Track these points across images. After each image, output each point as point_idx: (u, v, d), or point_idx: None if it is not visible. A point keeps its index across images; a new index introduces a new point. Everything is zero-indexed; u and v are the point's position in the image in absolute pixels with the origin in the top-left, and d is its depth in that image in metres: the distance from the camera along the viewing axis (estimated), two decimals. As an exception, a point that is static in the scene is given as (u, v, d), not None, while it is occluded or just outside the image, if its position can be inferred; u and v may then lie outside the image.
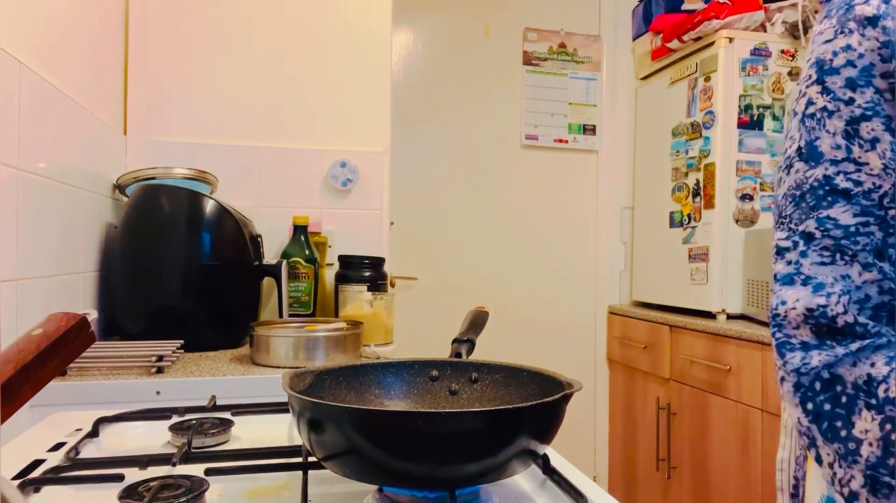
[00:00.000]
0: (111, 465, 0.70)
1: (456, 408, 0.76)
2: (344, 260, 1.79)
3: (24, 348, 0.49)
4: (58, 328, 0.50)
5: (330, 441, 0.58)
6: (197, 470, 0.67)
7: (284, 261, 1.67)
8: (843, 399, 0.49)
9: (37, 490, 0.65)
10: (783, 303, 0.53)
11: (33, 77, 1.18)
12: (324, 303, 1.85)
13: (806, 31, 2.32)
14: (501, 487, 0.68)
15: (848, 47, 0.55)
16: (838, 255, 0.52)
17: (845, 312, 0.50)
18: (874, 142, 0.53)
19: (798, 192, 0.55)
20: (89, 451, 0.78)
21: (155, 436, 0.84)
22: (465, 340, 0.88)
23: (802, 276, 0.53)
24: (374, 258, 1.79)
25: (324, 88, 1.94)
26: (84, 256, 1.48)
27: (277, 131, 1.91)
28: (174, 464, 0.69)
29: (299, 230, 1.79)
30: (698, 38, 2.46)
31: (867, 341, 0.49)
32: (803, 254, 0.53)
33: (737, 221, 2.33)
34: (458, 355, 0.84)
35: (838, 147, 0.54)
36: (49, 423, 0.90)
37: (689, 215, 2.49)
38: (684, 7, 2.58)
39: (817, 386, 0.50)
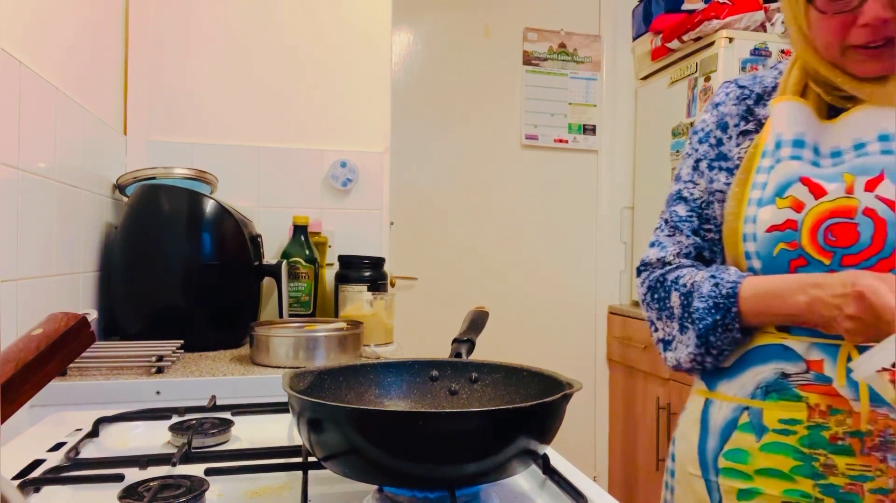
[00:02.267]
0: (111, 465, 0.70)
1: (456, 408, 0.76)
2: (344, 260, 1.79)
3: (24, 348, 0.49)
4: (58, 328, 0.50)
5: (330, 441, 0.58)
6: (197, 470, 0.67)
7: (284, 262, 1.67)
8: (664, 291, 0.91)
9: (37, 490, 0.65)
10: (647, 256, 0.96)
11: (33, 77, 1.18)
12: (324, 303, 1.85)
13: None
14: (501, 487, 0.68)
15: (704, 120, 0.97)
16: (675, 231, 0.95)
17: (674, 257, 0.93)
18: (702, 174, 0.94)
19: (670, 196, 0.97)
20: (89, 451, 0.78)
21: (155, 436, 0.84)
22: (465, 340, 0.88)
23: (658, 242, 0.96)
24: (374, 258, 1.79)
25: (324, 88, 1.94)
26: (84, 256, 1.48)
27: (277, 131, 1.91)
28: (174, 464, 0.69)
29: (299, 230, 1.79)
30: (698, 38, 2.46)
31: (679, 268, 0.92)
32: (661, 230, 0.97)
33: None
34: (458, 355, 0.85)
35: (688, 174, 0.96)
36: (49, 423, 0.90)
37: (689, 215, 2.49)
38: (684, 7, 2.58)
39: (657, 286, 0.93)
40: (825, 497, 0.78)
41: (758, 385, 0.84)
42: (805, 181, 0.82)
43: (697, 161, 0.94)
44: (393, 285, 2.17)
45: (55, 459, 0.73)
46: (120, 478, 0.66)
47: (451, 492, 0.57)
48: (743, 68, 2.32)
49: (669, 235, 0.94)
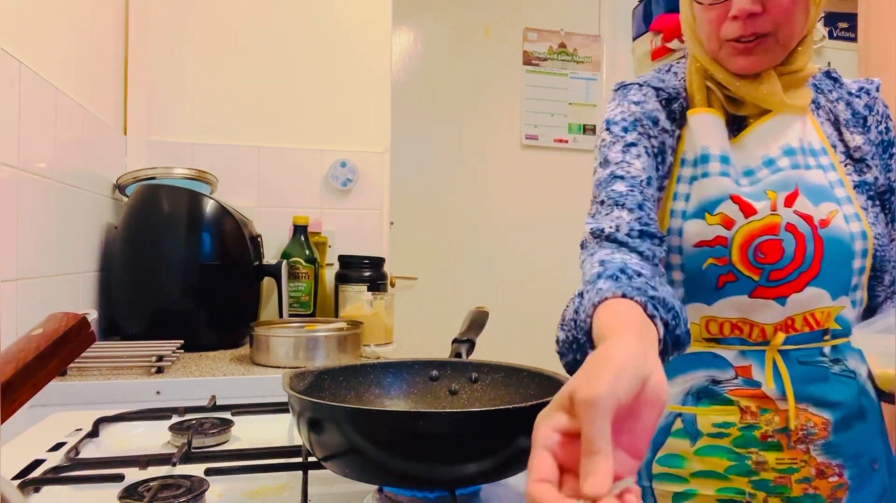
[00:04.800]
0: (111, 465, 0.70)
1: (456, 408, 0.76)
2: (344, 260, 1.79)
3: (24, 348, 0.49)
4: (58, 328, 0.50)
5: (330, 441, 0.58)
6: (197, 470, 0.67)
7: (284, 262, 1.67)
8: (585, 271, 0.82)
9: (37, 490, 0.65)
10: (584, 234, 0.89)
11: (33, 77, 1.18)
12: (324, 303, 1.85)
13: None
14: (501, 487, 0.68)
15: (623, 111, 0.90)
16: (616, 207, 0.84)
17: (614, 231, 0.83)
18: (638, 156, 0.86)
19: (599, 182, 0.88)
20: (89, 451, 0.78)
21: (155, 436, 0.84)
22: (465, 340, 0.88)
23: (597, 221, 0.86)
24: (374, 258, 1.79)
25: (324, 88, 1.94)
26: (84, 256, 1.48)
27: (277, 131, 1.91)
28: (174, 464, 0.68)
29: (299, 230, 1.79)
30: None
31: (623, 246, 0.81)
32: (599, 213, 0.86)
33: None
34: (458, 355, 0.84)
35: (618, 156, 0.87)
36: (49, 423, 0.90)
37: (689, 215, 2.49)
38: (684, 7, 2.57)
39: (583, 267, 0.84)
40: (757, 491, 0.83)
41: (688, 391, 0.86)
42: (735, 199, 0.83)
43: (628, 146, 0.87)
44: (393, 285, 2.17)
45: (55, 459, 0.73)
46: (120, 478, 0.66)
47: (451, 492, 0.57)
48: (743, 68, 2.31)
49: (608, 213, 0.84)
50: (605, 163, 0.88)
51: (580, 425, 0.42)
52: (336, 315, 1.76)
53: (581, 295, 0.72)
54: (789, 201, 0.83)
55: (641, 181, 0.84)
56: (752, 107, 0.88)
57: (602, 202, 0.86)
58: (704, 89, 0.89)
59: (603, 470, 0.40)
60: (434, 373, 0.78)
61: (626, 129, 0.89)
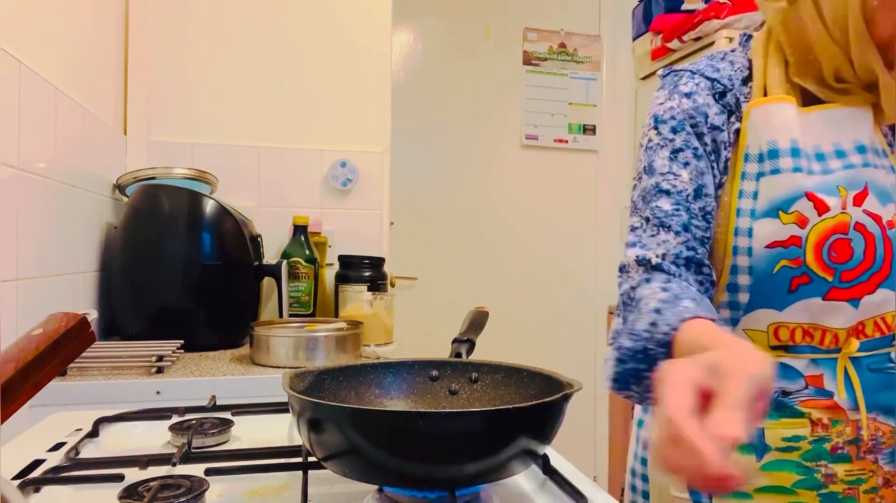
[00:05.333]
0: (111, 465, 0.70)
1: (456, 408, 0.76)
2: (344, 260, 1.79)
3: (24, 348, 0.49)
4: (58, 328, 0.50)
5: (330, 441, 0.58)
6: (197, 470, 0.67)
7: (284, 262, 1.67)
8: (630, 308, 0.78)
9: (37, 490, 0.65)
10: (624, 259, 0.83)
11: (33, 77, 1.18)
12: (324, 303, 1.85)
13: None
14: (501, 487, 0.68)
15: (672, 108, 0.85)
16: (662, 229, 0.81)
17: (659, 258, 0.80)
18: (685, 164, 0.83)
19: (644, 193, 0.85)
20: (89, 451, 0.78)
21: (155, 436, 0.84)
22: (465, 340, 0.88)
23: (639, 243, 0.82)
24: (374, 258, 1.79)
25: (324, 88, 1.94)
26: (84, 256, 1.48)
27: (277, 131, 1.91)
28: (174, 464, 0.68)
29: (299, 230, 1.79)
30: (698, 38, 2.46)
31: (651, 282, 0.78)
32: (643, 231, 0.83)
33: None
34: (458, 355, 0.84)
35: (664, 166, 0.83)
36: (49, 423, 0.90)
37: (689, 215, 2.49)
38: (684, 7, 2.57)
39: (628, 300, 0.79)
40: None
41: None
42: (811, 197, 0.79)
43: (676, 151, 0.83)
44: (393, 285, 2.17)
45: (55, 459, 0.73)
46: (120, 478, 0.66)
47: (451, 492, 0.57)
48: (743, 68, 2.31)
49: (653, 235, 0.81)
50: (650, 170, 0.85)
51: (721, 387, 0.49)
52: (336, 315, 1.76)
53: (658, 311, 0.71)
54: (858, 200, 0.80)
55: (688, 195, 0.81)
56: (851, 98, 0.83)
57: (647, 219, 0.83)
58: (785, 82, 0.84)
59: (739, 419, 0.47)
60: (434, 373, 0.78)
61: (674, 130, 0.84)
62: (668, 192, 0.82)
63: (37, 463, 0.73)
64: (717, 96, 0.85)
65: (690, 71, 0.88)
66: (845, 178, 0.80)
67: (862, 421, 0.80)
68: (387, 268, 1.85)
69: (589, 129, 2.96)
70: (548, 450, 0.69)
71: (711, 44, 2.38)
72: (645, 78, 2.90)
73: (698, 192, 0.82)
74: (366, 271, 1.76)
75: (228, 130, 1.88)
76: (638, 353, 0.71)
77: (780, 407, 0.81)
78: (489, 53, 2.87)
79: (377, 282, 1.76)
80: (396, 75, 2.73)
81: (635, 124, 2.98)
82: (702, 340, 0.63)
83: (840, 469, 0.80)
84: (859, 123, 0.83)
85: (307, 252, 1.77)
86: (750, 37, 0.90)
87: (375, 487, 0.62)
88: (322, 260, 1.87)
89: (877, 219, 0.79)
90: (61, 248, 1.33)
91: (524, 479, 0.71)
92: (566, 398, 0.61)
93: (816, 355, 0.81)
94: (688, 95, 0.85)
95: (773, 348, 0.81)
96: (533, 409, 0.58)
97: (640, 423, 0.94)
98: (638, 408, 0.95)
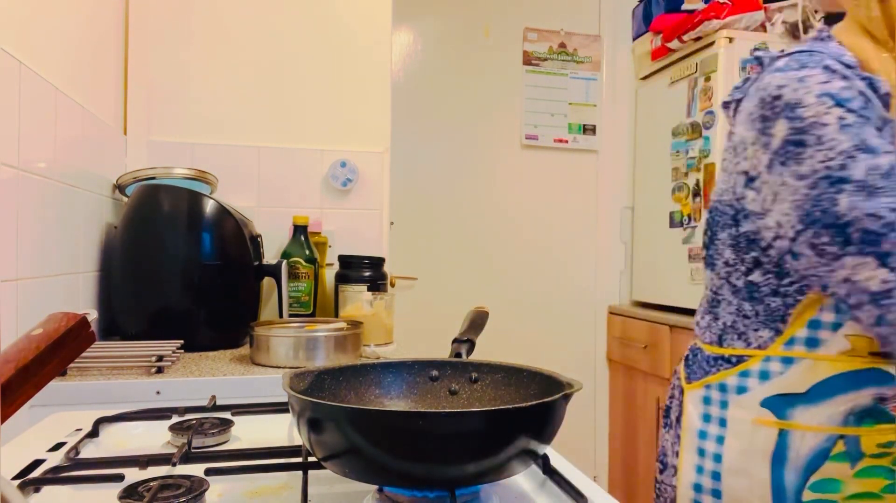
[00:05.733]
0: (111, 465, 0.70)
1: (456, 408, 0.76)
2: (344, 260, 1.79)
3: (24, 348, 0.49)
4: (58, 328, 0.50)
5: (330, 441, 0.58)
6: (197, 470, 0.67)
7: (284, 262, 1.67)
8: None
9: (37, 490, 0.65)
10: None
11: (33, 77, 1.18)
12: (324, 303, 1.85)
13: (806, 31, 2.32)
14: (501, 487, 0.68)
15: (847, 87, 0.78)
16: None
17: None
18: (892, 139, 0.77)
19: (880, 172, 0.75)
20: (89, 451, 0.78)
21: (155, 436, 0.84)
22: (465, 340, 0.88)
23: None
24: (374, 258, 1.79)
25: (324, 88, 1.94)
26: (84, 256, 1.48)
27: (277, 131, 1.91)
28: (174, 464, 0.68)
29: (299, 230, 1.79)
30: (698, 38, 2.46)
31: None
32: None
33: (737, 221, 2.33)
34: (458, 355, 0.84)
35: (881, 144, 0.75)
36: (49, 423, 0.90)
37: (689, 215, 2.49)
38: (684, 7, 2.58)
39: None
40: None
41: (850, 412, 0.81)
42: None
43: (878, 128, 0.77)
44: (393, 285, 2.17)
45: (55, 459, 0.73)
46: (120, 478, 0.66)
47: (451, 492, 0.57)
48: (743, 68, 2.32)
49: None
50: (869, 148, 0.76)
51: None
52: (336, 315, 1.76)
53: None
54: None
55: None
56: None
57: None
58: None
59: None
60: (434, 373, 0.78)
61: (864, 108, 0.78)
62: None
63: (37, 463, 0.73)
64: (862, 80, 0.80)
65: (822, 52, 0.83)
66: None
67: None
68: (387, 268, 1.85)
69: (589, 129, 2.96)
70: (548, 450, 0.69)
71: (711, 44, 2.38)
72: (645, 78, 2.90)
73: None
74: (366, 271, 1.76)
75: (228, 130, 1.88)
76: None
77: (876, 413, 0.80)
78: (489, 53, 2.87)
79: (377, 282, 1.76)
80: (396, 75, 2.73)
81: (635, 124, 2.98)
82: None
83: None
84: None
85: (307, 252, 1.77)
86: (830, 35, 0.88)
87: (375, 487, 0.62)
88: (322, 260, 1.87)
89: None
90: (61, 248, 1.33)
91: (524, 479, 0.71)
92: (566, 398, 0.61)
93: None
94: (844, 77, 0.80)
95: (872, 354, 0.80)
96: (533, 409, 0.58)
97: (704, 435, 0.89)
98: (696, 418, 0.91)
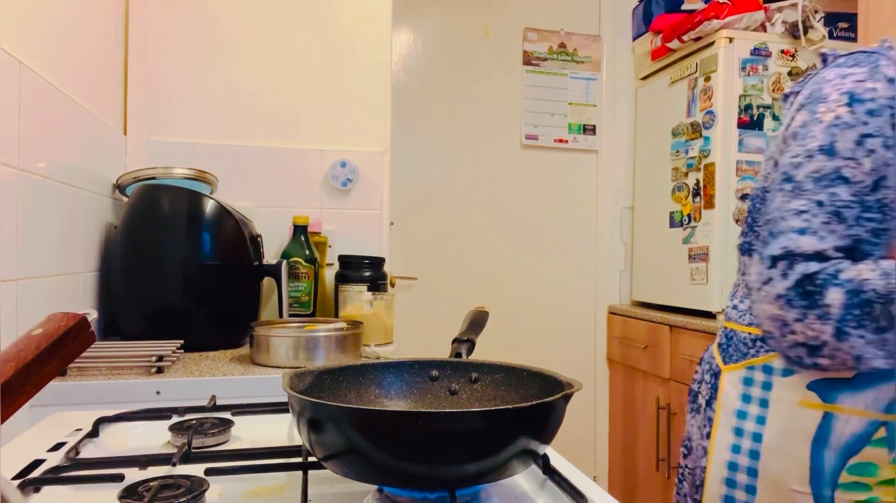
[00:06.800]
0: (111, 465, 0.70)
1: (456, 408, 0.76)
2: (344, 260, 1.79)
3: (24, 348, 0.49)
4: (58, 328, 0.50)
5: (330, 441, 0.58)
6: (197, 470, 0.67)
7: (284, 262, 1.67)
8: (814, 286, 0.77)
9: (37, 490, 0.65)
10: (797, 245, 0.80)
11: (33, 77, 1.18)
12: (324, 303, 1.85)
13: (806, 31, 2.32)
14: (501, 487, 0.68)
15: (874, 89, 0.82)
16: (834, 219, 0.79)
17: (833, 251, 0.78)
18: (871, 152, 0.80)
19: (818, 176, 0.81)
20: (89, 451, 0.78)
21: (155, 436, 0.84)
22: (465, 340, 0.88)
23: (812, 230, 0.79)
24: (374, 258, 1.79)
25: (324, 88, 1.94)
26: (84, 256, 1.48)
27: (277, 131, 1.91)
28: (174, 464, 0.68)
29: (299, 230, 1.79)
30: (698, 38, 2.46)
31: (839, 261, 0.78)
32: (814, 216, 0.80)
33: (737, 221, 2.33)
34: (458, 355, 0.84)
35: (849, 150, 0.80)
36: (49, 423, 0.90)
37: (689, 215, 2.49)
38: (684, 7, 2.58)
39: (805, 280, 0.78)
40: None
41: (893, 400, 0.83)
42: None
43: (864, 136, 0.80)
44: (393, 285, 2.17)
45: (55, 459, 0.73)
46: (120, 478, 0.66)
47: (451, 492, 0.57)
48: (743, 68, 2.32)
49: (826, 222, 0.79)
50: (831, 151, 0.81)
51: None
52: (336, 315, 1.76)
53: (887, 275, 0.75)
54: None
55: (867, 187, 0.80)
56: None
57: (820, 203, 0.80)
58: None
59: None
60: (434, 373, 0.78)
61: (871, 113, 0.81)
62: (847, 181, 0.80)
63: (37, 463, 0.73)
64: None
65: (884, 55, 0.85)
66: None
67: None
68: (387, 268, 1.85)
69: (589, 129, 2.96)
70: (548, 450, 0.69)
71: (711, 44, 2.38)
72: (645, 78, 2.90)
73: (877, 184, 0.80)
74: (366, 271, 1.76)
75: (228, 130, 1.88)
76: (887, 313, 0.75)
77: None
78: (489, 53, 2.87)
79: (377, 282, 1.76)
80: (396, 75, 2.73)
81: (635, 124, 2.98)
82: None
83: None
84: None
85: (307, 252, 1.77)
86: (892, 46, 0.90)
87: (375, 487, 0.62)
88: (322, 260, 1.87)
89: None
90: (61, 248, 1.33)
91: (524, 479, 0.71)
92: (566, 398, 0.61)
93: None
94: (891, 81, 0.82)
95: None
96: (533, 409, 0.58)
97: (743, 415, 0.91)
98: (735, 397, 0.92)
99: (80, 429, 0.86)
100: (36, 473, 0.69)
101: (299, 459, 0.71)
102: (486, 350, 0.98)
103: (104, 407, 1.00)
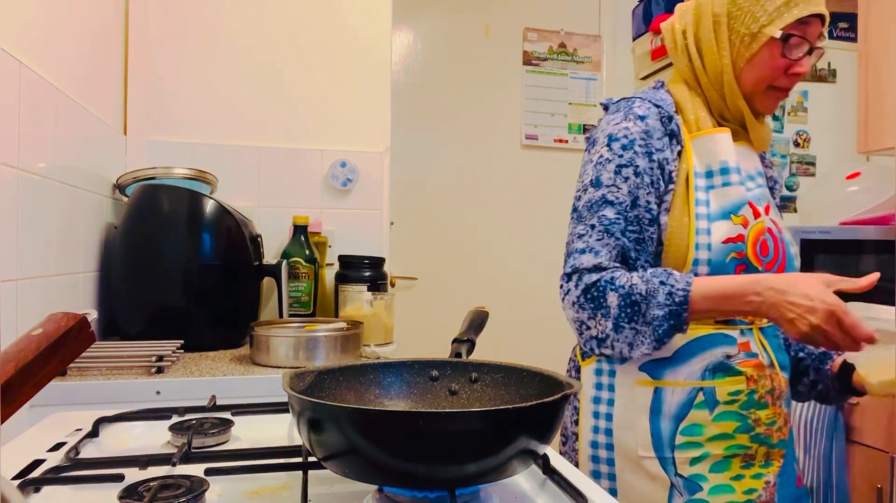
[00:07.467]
0: (111, 465, 0.70)
1: (456, 408, 0.76)
2: (344, 260, 1.79)
3: (24, 348, 0.49)
4: (58, 328, 0.50)
5: (330, 441, 0.58)
6: (197, 470, 0.67)
7: (284, 262, 1.67)
8: (597, 291, 0.98)
9: (37, 490, 0.65)
10: (580, 262, 1.01)
11: (33, 77, 1.18)
12: (324, 303, 1.85)
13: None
14: (501, 487, 0.68)
15: (627, 128, 1.03)
16: (606, 234, 1.00)
17: (608, 261, 0.99)
18: (626, 179, 1.01)
19: (590, 204, 1.03)
20: (89, 451, 0.78)
21: (155, 436, 0.84)
22: (465, 340, 0.88)
23: (591, 248, 1.01)
24: (374, 258, 1.79)
25: (324, 88, 1.94)
26: (84, 256, 1.48)
27: (277, 131, 1.91)
28: (174, 464, 0.69)
29: (299, 230, 1.79)
30: (698, 38, 2.46)
31: (614, 270, 0.99)
32: (590, 237, 1.01)
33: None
34: (458, 355, 0.85)
35: (610, 179, 1.02)
36: (49, 423, 0.90)
37: (688, 215, 2.49)
38: (684, 7, 2.57)
39: (591, 288, 0.99)
40: (752, 444, 1.01)
41: (706, 368, 1.01)
42: (751, 204, 1.02)
43: (620, 167, 1.01)
44: (393, 285, 2.17)
45: (55, 459, 0.73)
46: (120, 478, 0.66)
47: (451, 492, 0.57)
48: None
49: (599, 239, 1.00)
50: (597, 183, 1.03)
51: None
52: (336, 315, 1.76)
53: (664, 283, 0.95)
54: (767, 210, 1.06)
55: (626, 205, 1.01)
56: (733, 128, 1.08)
57: (593, 226, 1.01)
58: (706, 111, 1.07)
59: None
60: (434, 373, 0.78)
61: (624, 147, 1.02)
62: (611, 203, 1.01)
63: (37, 463, 0.73)
64: (663, 121, 1.04)
65: (640, 97, 1.07)
66: (760, 193, 1.07)
67: (775, 375, 1.03)
68: (387, 268, 1.85)
69: (589, 129, 2.96)
70: (548, 450, 0.69)
71: (711, 44, 2.38)
72: (645, 78, 2.90)
73: (634, 202, 1.01)
74: (366, 271, 1.76)
75: (228, 130, 1.88)
76: (667, 316, 0.94)
77: (725, 368, 1.01)
78: (489, 53, 2.87)
79: (377, 283, 1.76)
80: (396, 75, 2.73)
81: (635, 124, 2.97)
82: (716, 288, 0.95)
83: (762, 414, 1.01)
84: (753, 156, 1.12)
85: (307, 252, 1.77)
86: (663, 83, 1.13)
87: (375, 487, 0.62)
88: (322, 260, 1.87)
89: (776, 224, 1.07)
90: (61, 248, 1.33)
91: (524, 479, 0.71)
92: (566, 398, 0.61)
93: (742, 326, 1.02)
94: (641, 118, 1.04)
95: (717, 322, 1.01)
96: (533, 409, 0.59)
97: (598, 400, 1.07)
98: (590, 387, 1.08)
99: (80, 429, 0.86)
100: (36, 473, 0.69)
101: (299, 459, 0.71)
102: (486, 350, 0.98)
103: (104, 407, 1.00)
